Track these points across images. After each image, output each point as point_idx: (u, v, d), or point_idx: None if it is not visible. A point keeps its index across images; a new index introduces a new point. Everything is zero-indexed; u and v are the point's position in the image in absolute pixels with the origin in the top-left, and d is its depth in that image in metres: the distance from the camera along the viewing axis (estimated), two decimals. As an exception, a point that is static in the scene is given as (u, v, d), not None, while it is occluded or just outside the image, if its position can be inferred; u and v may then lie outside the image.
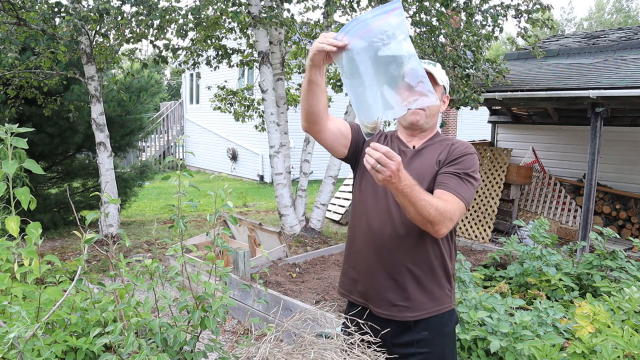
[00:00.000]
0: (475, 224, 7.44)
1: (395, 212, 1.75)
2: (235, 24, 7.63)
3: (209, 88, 9.40)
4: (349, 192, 8.59)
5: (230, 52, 8.07)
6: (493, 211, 7.33)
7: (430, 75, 1.69)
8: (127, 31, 6.61)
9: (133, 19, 6.36)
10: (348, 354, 1.65)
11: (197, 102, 16.72)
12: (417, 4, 6.75)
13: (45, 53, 6.63)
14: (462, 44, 6.82)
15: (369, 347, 1.80)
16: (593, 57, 7.64)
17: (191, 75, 16.33)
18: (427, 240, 1.74)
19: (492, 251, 5.14)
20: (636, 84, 5.26)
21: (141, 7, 5.97)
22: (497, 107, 8.44)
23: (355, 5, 7.64)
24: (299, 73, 9.10)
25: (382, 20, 1.39)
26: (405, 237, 1.74)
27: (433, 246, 1.76)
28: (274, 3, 6.88)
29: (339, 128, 1.85)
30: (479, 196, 7.56)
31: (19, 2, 6.05)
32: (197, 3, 6.40)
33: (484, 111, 9.09)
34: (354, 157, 1.91)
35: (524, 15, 6.69)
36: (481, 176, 7.57)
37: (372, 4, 7.07)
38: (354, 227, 1.91)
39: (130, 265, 1.97)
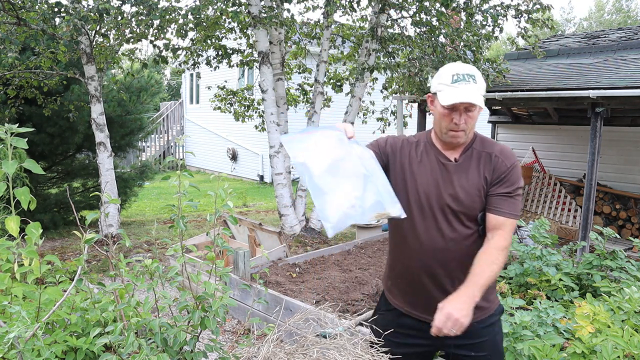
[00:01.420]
0: (475, 224, 7.43)
1: (445, 227, 1.72)
2: (235, 24, 7.63)
3: (209, 88, 9.40)
4: (349, 192, 8.56)
5: (230, 52, 8.07)
6: (493, 211, 7.32)
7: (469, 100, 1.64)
8: (127, 31, 6.61)
9: (133, 19, 6.35)
10: (350, 354, 1.65)
11: (197, 102, 16.71)
12: (417, 4, 6.75)
13: (45, 53, 6.63)
14: (462, 44, 6.82)
15: (371, 347, 1.82)
16: (593, 57, 7.64)
17: (191, 75, 16.33)
18: (476, 249, 1.72)
19: (492, 251, 5.12)
20: (636, 84, 5.26)
21: (141, 7, 5.96)
22: (497, 107, 8.44)
23: (355, 6, 7.65)
24: (299, 73, 9.10)
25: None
26: (456, 250, 1.73)
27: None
28: (274, 3, 6.88)
29: None
30: (479, 196, 7.56)
31: (19, 2, 6.05)
32: (197, 3, 6.40)
33: (484, 111, 9.09)
34: (384, 167, 1.83)
35: (524, 15, 6.69)
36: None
37: (372, 3, 7.07)
38: (399, 243, 1.86)
39: (130, 265, 1.97)
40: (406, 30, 7.43)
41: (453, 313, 1.46)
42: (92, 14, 5.67)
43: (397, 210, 1.46)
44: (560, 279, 3.45)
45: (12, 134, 1.68)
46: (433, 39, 6.84)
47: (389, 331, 1.85)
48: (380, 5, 6.81)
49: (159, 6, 5.96)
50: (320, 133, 1.45)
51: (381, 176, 1.49)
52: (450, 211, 1.72)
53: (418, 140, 1.84)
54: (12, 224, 1.68)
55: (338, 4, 7.37)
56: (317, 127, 1.46)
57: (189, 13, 6.34)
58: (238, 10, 6.60)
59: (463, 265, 1.70)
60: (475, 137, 1.78)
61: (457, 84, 1.64)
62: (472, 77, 1.65)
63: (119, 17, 6.21)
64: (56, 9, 5.82)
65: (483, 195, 1.70)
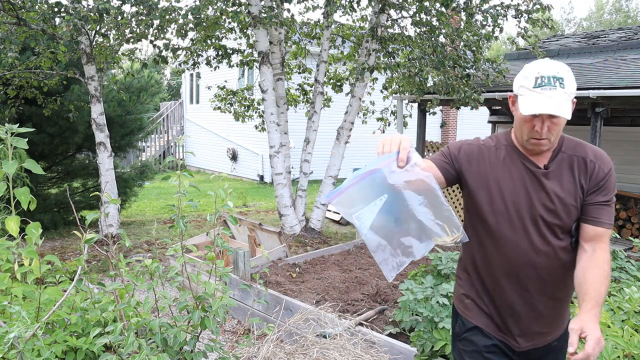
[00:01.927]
0: (475, 224, 7.44)
1: (537, 240, 1.58)
2: (235, 24, 7.63)
3: (209, 88, 9.41)
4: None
5: (230, 52, 8.07)
6: (493, 211, 7.33)
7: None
8: (127, 31, 6.61)
9: (133, 19, 6.35)
10: (350, 354, 1.66)
11: (197, 102, 16.72)
12: (417, 4, 6.75)
13: (45, 53, 6.63)
14: (462, 44, 6.82)
15: (371, 347, 1.81)
16: (593, 57, 7.64)
17: (191, 75, 16.33)
18: (570, 265, 1.59)
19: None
20: (636, 84, 5.26)
21: (141, 7, 5.96)
22: (497, 107, 8.44)
23: (355, 6, 7.65)
24: (299, 73, 9.10)
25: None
26: (549, 266, 1.59)
27: (571, 268, 1.60)
28: (274, 3, 6.88)
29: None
30: (479, 196, 7.57)
31: (19, 2, 6.05)
32: (197, 3, 6.40)
33: (484, 111, 9.09)
34: (454, 180, 1.69)
35: (524, 15, 6.69)
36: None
37: (372, 3, 7.07)
38: (481, 258, 1.69)
39: (130, 265, 1.97)
40: (406, 30, 7.44)
41: (601, 338, 1.35)
42: (92, 14, 5.67)
43: (458, 237, 1.42)
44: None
45: (12, 134, 1.68)
46: (433, 39, 6.84)
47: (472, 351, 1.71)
48: (380, 5, 6.81)
49: (159, 6, 5.96)
50: (358, 186, 1.43)
51: (437, 204, 1.40)
52: (544, 223, 1.57)
53: (496, 143, 1.65)
54: (12, 224, 1.68)
55: (338, 4, 7.37)
56: (359, 173, 1.41)
57: (189, 13, 6.34)
58: (238, 10, 6.60)
59: (556, 281, 1.60)
60: (563, 140, 1.60)
61: (541, 90, 1.44)
62: (558, 80, 1.44)
63: (119, 17, 6.21)
64: (56, 9, 5.82)
65: (579, 205, 1.56)
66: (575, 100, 1.53)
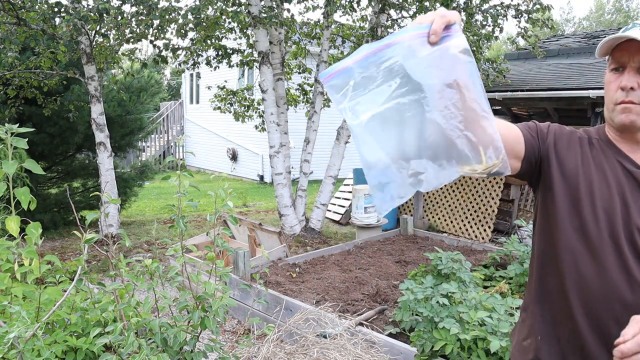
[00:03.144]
0: (475, 224, 7.44)
1: (636, 269, 1.13)
2: (235, 24, 7.63)
3: (209, 88, 9.41)
4: (349, 192, 8.58)
5: (230, 52, 8.07)
6: (493, 211, 7.33)
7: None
8: (127, 31, 6.61)
9: (133, 19, 6.36)
10: (351, 354, 1.64)
11: (197, 102, 16.72)
12: (417, 4, 6.75)
13: (45, 53, 6.63)
14: (462, 43, 6.82)
15: (372, 347, 1.78)
16: (593, 57, 7.64)
17: (191, 75, 16.33)
18: None
19: (492, 251, 5.14)
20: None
21: (141, 7, 5.96)
22: (497, 107, 8.43)
23: (355, 5, 7.65)
24: (299, 73, 9.11)
25: None
26: None
27: None
28: (274, 3, 6.88)
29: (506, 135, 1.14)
30: (479, 196, 7.57)
31: (19, 2, 6.05)
32: (197, 3, 6.40)
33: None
34: (533, 164, 1.23)
35: (524, 15, 6.69)
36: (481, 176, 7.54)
37: (372, 3, 7.07)
38: (552, 286, 1.25)
39: (130, 265, 1.98)
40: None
41: None
42: (92, 14, 5.68)
43: (494, 166, 0.96)
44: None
45: (12, 134, 1.68)
46: (433, 39, 6.83)
47: None
48: (380, 5, 6.81)
49: (158, 6, 5.96)
50: (362, 64, 0.96)
51: (474, 110, 0.94)
52: None
53: (589, 136, 1.26)
54: (12, 224, 1.68)
55: (338, 4, 7.37)
56: (370, 48, 0.96)
57: (189, 13, 6.34)
58: (238, 10, 6.60)
59: None
60: None
61: (628, 30, 1.14)
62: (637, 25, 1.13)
63: (119, 17, 6.21)
64: (56, 9, 5.82)
65: None
66: None
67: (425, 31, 0.94)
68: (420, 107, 0.94)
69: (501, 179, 7.44)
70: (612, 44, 1.15)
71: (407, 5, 6.94)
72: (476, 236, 7.38)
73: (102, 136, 6.67)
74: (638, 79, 1.13)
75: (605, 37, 7.70)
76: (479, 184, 7.37)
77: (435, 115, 0.93)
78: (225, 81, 9.75)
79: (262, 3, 6.75)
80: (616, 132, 1.21)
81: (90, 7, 5.81)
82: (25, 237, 1.75)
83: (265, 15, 6.48)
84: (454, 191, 8.40)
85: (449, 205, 7.57)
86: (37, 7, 6.01)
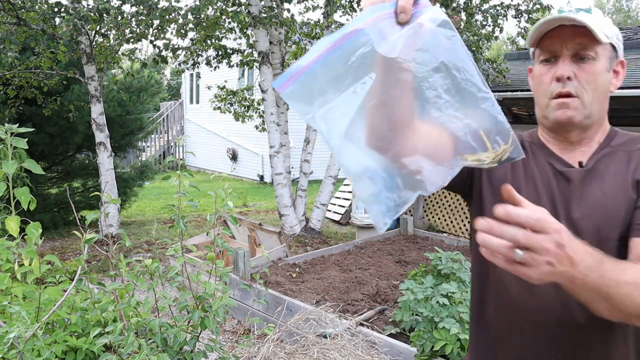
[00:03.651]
0: (476, 224, 7.45)
1: None
2: (235, 24, 7.63)
3: (209, 88, 9.41)
4: (349, 192, 8.58)
5: (230, 52, 8.07)
6: (493, 211, 7.35)
7: (583, 28, 0.98)
8: (127, 31, 6.61)
9: (133, 19, 6.36)
10: (351, 354, 1.64)
11: (197, 102, 16.72)
12: (417, 3, 6.75)
13: (45, 53, 6.63)
14: (462, 43, 6.82)
15: (372, 348, 1.77)
16: (593, 57, 7.64)
17: (191, 75, 16.33)
18: (628, 328, 1.01)
19: (492, 251, 5.12)
20: (637, 84, 5.26)
21: (141, 7, 5.97)
22: (497, 107, 8.44)
23: (355, 5, 7.65)
24: (299, 73, 9.10)
25: None
26: (589, 328, 1.00)
27: (633, 335, 1.03)
28: (274, 3, 6.88)
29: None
30: (479, 196, 7.59)
31: (19, 2, 6.05)
32: (197, 3, 6.40)
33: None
34: (463, 184, 1.15)
35: (524, 15, 6.69)
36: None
37: (372, 4, 7.07)
38: (487, 309, 1.13)
39: (130, 265, 1.97)
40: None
41: (563, 234, 0.72)
42: (92, 14, 5.68)
43: (504, 153, 0.81)
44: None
45: (12, 134, 1.68)
46: (433, 39, 6.83)
47: None
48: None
49: (158, 6, 5.96)
50: (325, 61, 0.79)
51: (468, 91, 0.79)
52: None
53: (522, 140, 1.14)
54: (12, 224, 1.68)
55: (338, 4, 7.37)
56: (330, 39, 0.80)
57: (189, 13, 6.34)
58: (238, 10, 6.60)
59: (598, 351, 1.00)
60: (615, 134, 1.10)
61: (556, 16, 1.02)
62: (581, 10, 1.03)
63: (119, 17, 6.21)
64: (56, 9, 5.82)
65: (631, 213, 0.99)
66: (623, 61, 1.12)
67: (390, 11, 0.79)
68: (409, 95, 0.80)
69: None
70: (543, 30, 1.02)
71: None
72: (476, 236, 7.38)
73: (102, 136, 6.67)
74: (574, 67, 1.01)
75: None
76: (479, 184, 7.38)
77: (428, 109, 0.79)
78: (225, 81, 9.75)
79: (262, 3, 6.75)
80: (549, 133, 1.12)
81: (90, 7, 5.81)
82: (25, 237, 1.75)
83: (265, 15, 6.48)
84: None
85: (449, 205, 7.56)
86: (37, 7, 6.01)
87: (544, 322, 1.02)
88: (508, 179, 1.09)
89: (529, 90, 5.34)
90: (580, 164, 1.06)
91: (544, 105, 1.07)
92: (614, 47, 1.08)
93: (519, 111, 8.41)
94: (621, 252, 0.97)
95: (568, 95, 1.01)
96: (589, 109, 1.02)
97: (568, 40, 1.00)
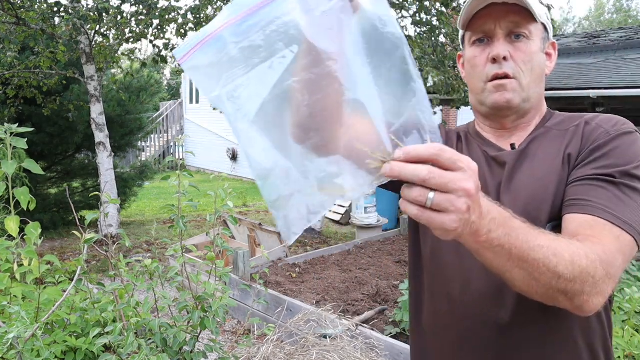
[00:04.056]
0: (475, 224, 7.46)
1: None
2: (235, 24, 7.63)
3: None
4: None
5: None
6: (493, 211, 7.35)
7: (515, 6, 0.93)
8: (126, 31, 6.60)
9: (132, 19, 6.35)
10: (350, 357, 1.63)
11: (197, 102, 16.72)
12: (417, 3, 6.75)
13: (44, 53, 6.62)
14: (462, 43, 6.82)
15: (372, 350, 1.77)
16: (593, 57, 7.64)
17: (191, 75, 16.31)
18: (569, 322, 0.91)
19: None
20: (637, 84, 5.26)
21: (140, 6, 5.96)
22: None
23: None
24: (299, 73, 9.11)
25: None
26: (529, 323, 0.91)
27: (580, 331, 0.92)
28: (274, 3, 6.87)
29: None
30: (479, 196, 7.59)
31: (19, 2, 6.05)
32: (197, 3, 6.39)
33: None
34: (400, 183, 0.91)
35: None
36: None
37: (372, 3, 7.07)
38: (422, 310, 1.07)
39: (130, 266, 1.97)
40: (406, 30, 7.43)
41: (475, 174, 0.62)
42: (91, 14, 5.67)
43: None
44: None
45: (11, 134, 1.68)
46: (433, 38, 6.84)
47: None
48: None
49: (158, 6, 5.96)
50: (237, 28, 0.67)
51: (399, 80, 0.65)
52: None
53: (459, 132, 1.11)
54: (12, 224, 1.68)
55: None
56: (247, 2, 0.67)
57: (189, 13, 6.33)
58: (238, 10, 6.59)
59: (540, 350, 0.91)
60: (552, 115, 1.03)
61: None
62: None
63: (119, 17, 6.21)
64: (55, 9, 5.82)
65: (562, 190, 0.90)
66: (554, 42, 1.03)
67: None
68: (335, 85, 0.65)
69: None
70: (473, 10, 0.95)
71: (407, 5, 6.93)
72: (476, 236, 7.39)
73: (101, 136, 6.67)
74: (509, 47, 0.95)
75: (605, 37, 7.66)
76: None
77: (359, 95, 0.65)
78: (225, 81, 9.75)
79: (262, 3, 6.74)
80: (485, 121, 1.05)
81: (89, 6, 5.80)
82: (24, 237, 1.74)
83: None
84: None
85: (449, 205, 7.57)
86: (36, 6, 6.01)
87: (478, 323, 0.94)
88: None
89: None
90: (512, 146, 1.00)
91: (480, 89, 0.99)
92: (545, 28, 0.99)
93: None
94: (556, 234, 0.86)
95: (505, 76, 0.95)
96: (527, 91, 0.96)
97: (501, 18, 0.94)
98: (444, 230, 0.60)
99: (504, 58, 0.94)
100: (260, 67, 0.66)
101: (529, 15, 0.93)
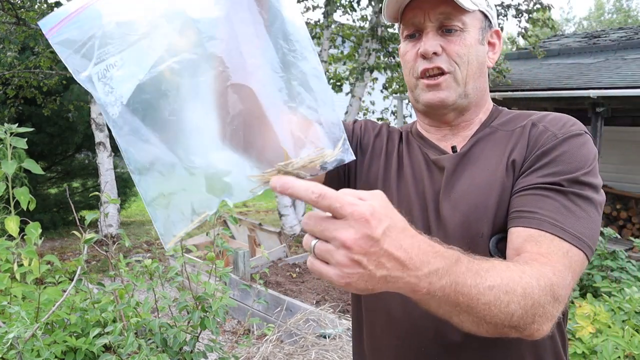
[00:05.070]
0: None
1: None
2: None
3: (208, 88, 9.42)
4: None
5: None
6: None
7: None
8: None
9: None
10: (349, 355, 1.63)
11: (197, 102, 16.74)
12: None
13: (44, 53, 6.63)
14: (462, 43, 6.83)
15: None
16: (594, 57, 7.64)
17: (191, 75, 16.36)
18: (518, 341, 0.78)
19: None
20: (637, 84, 5.26)
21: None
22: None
23: (355, 5, 7.64)
24: (299, 73, 9.10)
25: None
26: (474, 341, 0.79)
27: (529, 348, 0.86)
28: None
29: None
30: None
31: (19, 2, 6.05)
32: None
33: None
34: (340, 185, 0.98)
35: (524, 15, 6.69)
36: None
37: (372, 3, 7.07)
38: (362, 331, 1.01)
39: (130, 266, 1.97)
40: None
41: (376, 223, 0.53)
42: (91, 14, 5.68)
43: (330, 156, 0.60)
44: (561, 279, 3.45)
45: (11, 133, 1.68)
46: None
47: None
48: (380, 5, 6.81)
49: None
50: None
51: (301, 67, 0.59)
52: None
53: (401, 131, 1.03)
54: (12, 224, 1.68)
55: (338, 4, 7.37)
56: None
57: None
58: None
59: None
60: (499, 113, 0.95)
61: None
62: None
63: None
64: (55, 8, 5.82)
65: (506, 200, 0.83)
66: (498, 30, 0.97)
67: None
68: (220, 67, 0.56)
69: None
70: (402, 1, 0.88)
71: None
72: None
73: (101, 136, 6.67)
74: (441, 41, 0.87)
75: (605, 37, 7.66)
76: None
77: (251, 81, 0.56)
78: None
79: (262, 3, 6.75)
80: (424, 119, 0.97)
81: (90, 6, 5.81)
82: (24, 237, 1.74)
83: (265, 15, 6.48)
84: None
85: (449, 205, 7.59)
86: (36, 6, 6.01)
87: (420, 345, 0.87)
88: (380, 179, 0.95)
89: (529, 90, 5.39)
90: (453, 148, 0.91)
91: (413, 85, 0.92)
92: (485, 16, 0.92)
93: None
94: (501, 248, 0.81)
95: (439, 71, 0.87)
96: (463, 87, 0.89)
97: (430, 10, 0.86)
98: (337, 283, 0.53)
99: (434, 53, 0.87)
100: (140, 44, 0.57)
101: (459, 5, 0.85)
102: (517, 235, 0.77)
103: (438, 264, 0.58)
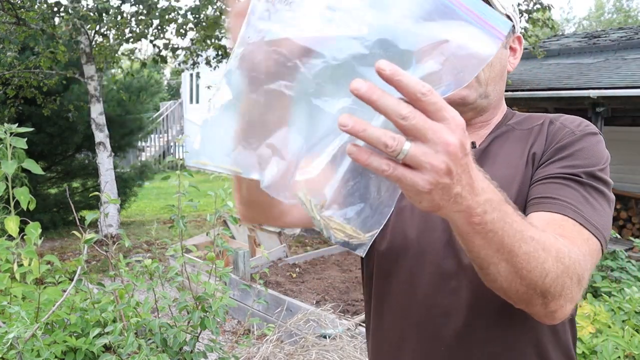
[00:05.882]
0: (475, 224, 7.46)
1: (451, 267, 0.85)
2: (235, 24, 7.63)
3: (208, 88, 9.41)
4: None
5: (230, 51, 8.07)
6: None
7: None
8: (126, 31, 6.61)
9: (132, 19, 6.35)
10: (350, 356, 1.63)
11: (197, 102, 16.72)
12: None
13: (44, 53, 6.63)
14: (462, 43, 6.83)
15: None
16: (594, 57, 7.64)
17: (191, 75, 16.32)
18: (523, 335, 0.84)
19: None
20: (637, 84, 5.26)
21: (140, 6, 5.96)
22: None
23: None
24: (299, 73, 9.11)
25: None
26: (485, 329, 0.84)
27: (542, 342, 0.85)
28: (274, 3, 6.88)
29: None
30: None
31: (19, 2, 6.05)
32: (197, 3, 6.39)
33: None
34: None
35: (524, 15, 6.69)
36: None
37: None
38: (369, 329, 1.02)
39: (130, 266, 1.97)
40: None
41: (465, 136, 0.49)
42: (91, 14, 5.67)
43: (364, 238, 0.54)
44: (561, 279, 3.45)
45: (11, 133, 1.68)
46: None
47: None
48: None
49: (158, 6, 5.96)
50: None
51: None
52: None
53: None
54: (12, 224, 1.68)
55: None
56: None
57: (189, 13, 6.34)
58: (238, 10, 6.59)
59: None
60: (513, 114, 0.98)
61: None
62: None
63: (119, 17, 6.21)
64: (55, 9, 5.82)
65: (525, 191, 0.84)
66: (520, 36, 0.95)
67: None
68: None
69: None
70: None
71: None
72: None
73: (101, 136, 6.67)
74: None
75: (605, 37, 7.67)
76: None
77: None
78: (225, 81, 9.74)
79: (262, 3, 6.75)
80: None
81: (89, 6, 5.81)
82: (24, 237, 1.74)
83: (265, 15, 6.48)
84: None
85: (449, 205, 7.58)
86: (36, 6, 6.01)
87: (434, 333, 0.86)
88: None
89: (529, 90, 5.38)
90: (472, 144, 0.91)
91: None
92: (510, 20, 0.88)
93: (519, 111, 8.41)
94: None
95: None
96: (485, 87, 0.89)
97: None
98: (415, 192, 0.48)
99: None
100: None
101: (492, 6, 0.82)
102: (538, 219, 0.76)
103: (491, 195, 0.56)
